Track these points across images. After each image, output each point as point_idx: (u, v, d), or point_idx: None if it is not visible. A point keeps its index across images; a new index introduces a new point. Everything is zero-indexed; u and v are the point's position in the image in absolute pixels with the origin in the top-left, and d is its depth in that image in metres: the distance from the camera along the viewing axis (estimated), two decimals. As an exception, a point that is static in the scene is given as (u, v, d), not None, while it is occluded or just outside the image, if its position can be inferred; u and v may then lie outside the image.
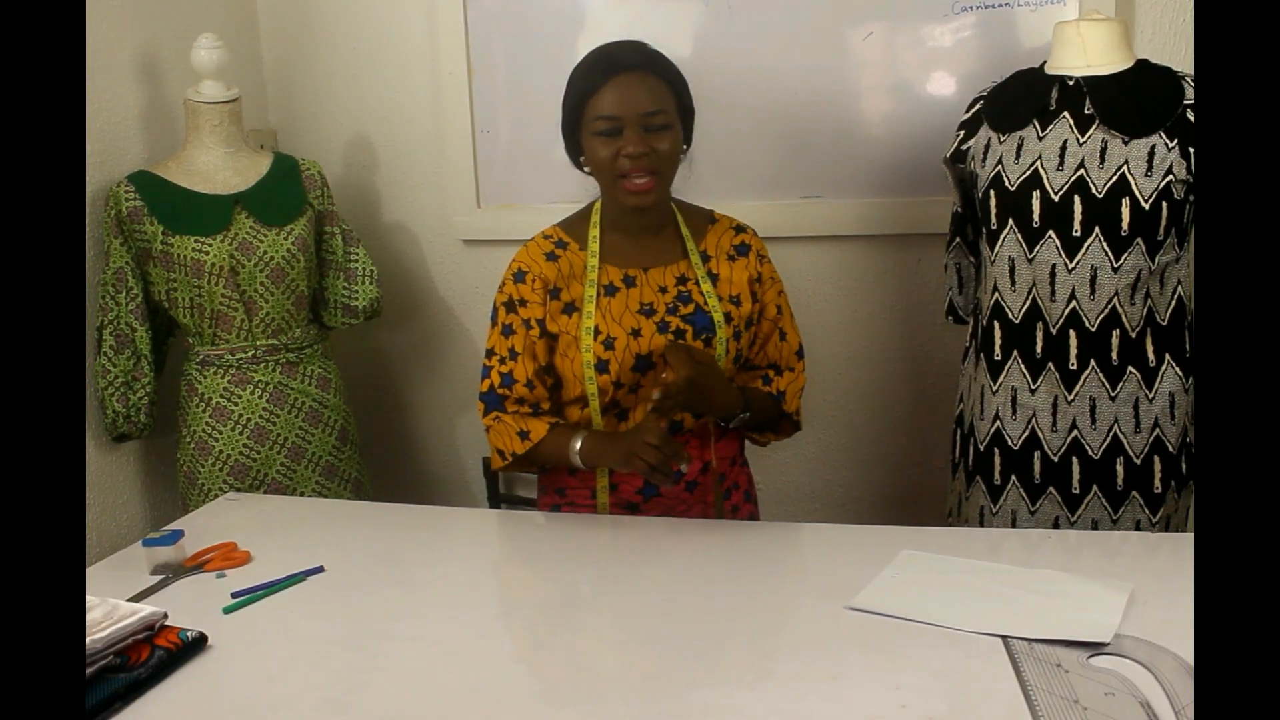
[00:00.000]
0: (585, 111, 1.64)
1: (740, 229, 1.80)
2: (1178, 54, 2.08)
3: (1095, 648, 1.22)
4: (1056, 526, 1.78)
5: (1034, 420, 1.77)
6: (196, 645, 1.30)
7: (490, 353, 1.75)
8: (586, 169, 1.70)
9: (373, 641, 1.35)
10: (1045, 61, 1.80)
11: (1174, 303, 1.74)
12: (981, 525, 1.85)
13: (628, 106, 1.60)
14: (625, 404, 1.72)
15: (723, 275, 1.74)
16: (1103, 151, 1.69)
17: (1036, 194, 1.72)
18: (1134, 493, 1.75)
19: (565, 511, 1.78)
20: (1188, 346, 1.74)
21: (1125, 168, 1.67)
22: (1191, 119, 1.66)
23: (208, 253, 2.11)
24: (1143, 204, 1.66)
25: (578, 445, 1.67)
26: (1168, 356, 1.73)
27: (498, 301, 1.76)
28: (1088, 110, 1.71)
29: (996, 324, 1.80)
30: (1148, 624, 1.27)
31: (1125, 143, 1.68)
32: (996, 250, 1.78)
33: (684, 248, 1.75)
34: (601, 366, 1.67)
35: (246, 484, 2.17)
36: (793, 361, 1.82)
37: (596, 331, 1.68)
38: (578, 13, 2.41)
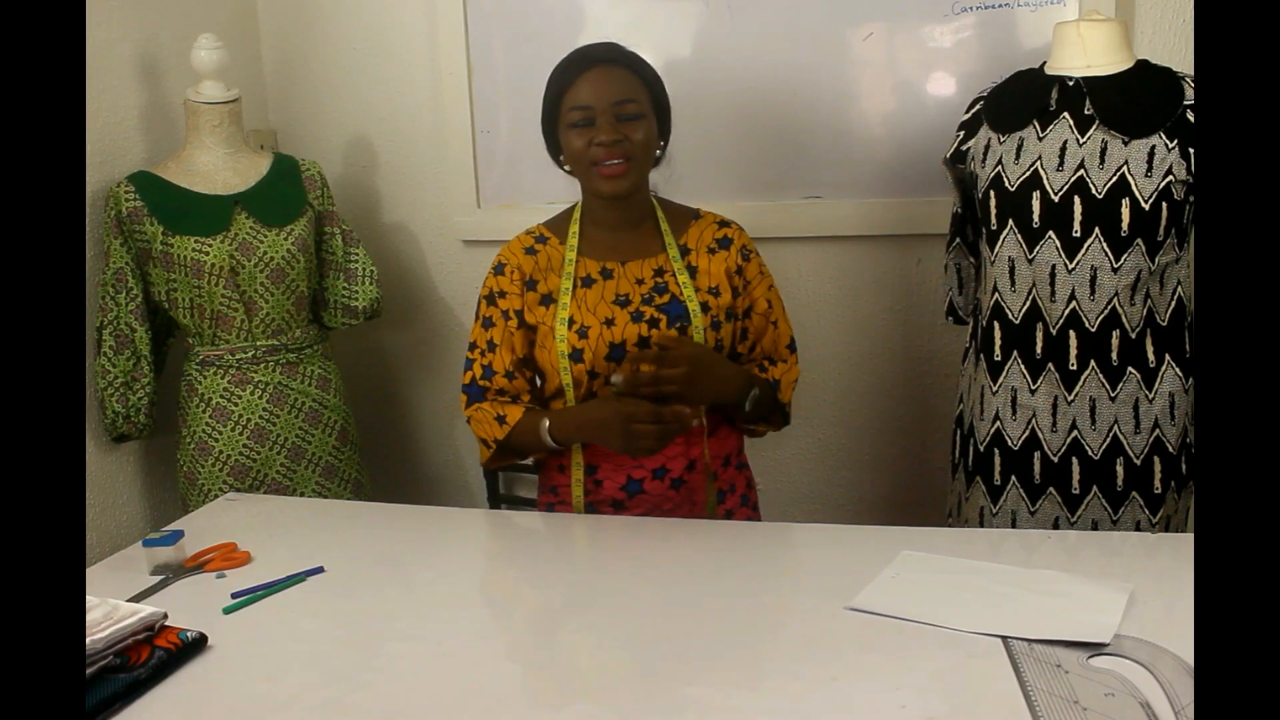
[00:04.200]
0: (561, 106, 1.69)
1: (724, 224, 1.81)
2: (1178, 54, 2.08)
3: (1095, 648, 1.22)
4: (1056, 527, 1.78)
5: (1034, 421, 1.77)
6: (196, 645, 1.30)
7: (472, 346, 1.78)
8: (566, 167, 1.74)
9: (373, 641, 1.35)
10: (1045, 62, 1.80)
11: (1174, 303, 1.74)
12: (981, 525, 1.85)
13: (599, 96, 1.65)
14: (602, 395, 1.73)
15: (701, 268, 1.76)
16: (1103, 152, 1.69)
17: (1036, 194, 1.72)
18: (1134, 493, 1.75)
19: (559, 510, 1.79)
20: (1188, 347, 1.74)
21: (1125, 168, 1.67)
22: (1191, 119, 1.66)
23: (208, 253, 2.11)
24: (1143, 204, 1.66)
25: (546, 424, 1.69)
26: (1168, 357, 1.73)
27: (480, 295, 1.79)
28: (1087, 111, 1.71)
29: (996, 324, 1.80)
30: (1148, 624, 1.27)
31: (1125, 143, 1.68)
32: (996, 251, 1.78)
33: (663, 242, 1.77)
34: (576, 356, 1.69)
35: (246, 484, 2.17)
36: (784, 354, 1.83)
37: (571, 321, 1.70)
38: (578, 13, 2.41)
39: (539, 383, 1.78)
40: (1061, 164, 1.70)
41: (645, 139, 1.67)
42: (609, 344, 1.69)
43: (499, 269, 1.77)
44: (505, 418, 1.72)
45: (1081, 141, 1.70)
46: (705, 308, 1.73)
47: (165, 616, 1.30)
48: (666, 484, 1.73)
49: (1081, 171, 1.69)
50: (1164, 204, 1.66)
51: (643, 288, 1.73)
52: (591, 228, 1.77)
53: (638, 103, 1.67)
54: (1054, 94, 1.74)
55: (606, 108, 1.65)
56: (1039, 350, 1.75)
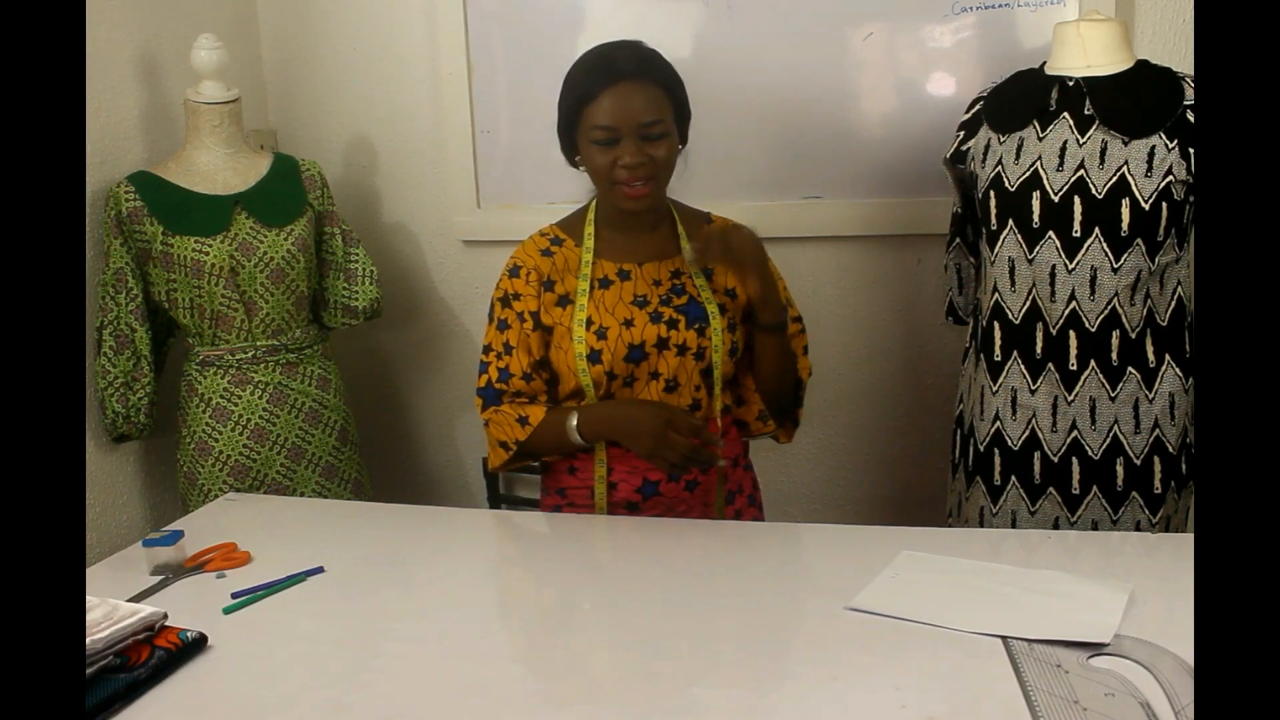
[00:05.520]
0: (582, 118, 1.65)
1: (737, 229, 1.81)
2: (1178, 54, 2.08)
3: (1095, 648, 1.22)
4: (1056, 527, 1.78)
5: (1034, 421, 1.77)
6: (196, 645, 1.30)
7: (487, 349, 1.76)
8: (582, 168, 1.72)
9: (373, 641, 1.35)
10: (1045, 62, 1.80)
11: (1174, 303, 1.74)
12: (981, 525, 1.85)
13: (625, 117, 1.61)
14: (620, 397, 1.72)
15: (717, 270, 1.75)
16: (1102, 152, 1.69)
17: (1036, 194, 1.72)
18: (1134, 493, 1.75)
19: (566, 512, 1.79)
20: (1188, 347, 1.75)
21: (1125, 168, 1.67)
22: (1191, 119, 1.67)
23: (208, 253, 2.11)
24: (1143, 204, 1.66)
25: (573, 421, 1.68)
26: (1168, 357, 1.73)
27: (494, 298, 1.78)
28: (1087, 111, 1.71)
29: (996, 324, 1.80)
30: (1148, 624, 1.27)
31: (1125, 143, 1.68)
32: (996, 251, 1.78)
33: (679, 244, 1.76)
34: (594, 357, 1.68)
35: (246, 484, 2.17)
36: (799, 351, 1.84)
37: (589, 322, 1.69)
38: (578, 13, 2.41)
39: (553, 385, 1.77)
40: (1061, 164, 1.70)
41: (668, 155, 1.66)
42: (628, 345, 1.69)
43: (514, 271, 1.75)
44: (528, 418, 1.71)
45: (1081, 141, 1.70)
46: (723, 309, 1.72)
47: (165, 616, 1.30)
48: (682, 485, 1.73)
49: (1081, 171, 1.69)
50: (1164, 204, 1.66)
51: (660, 289, 1.72)
52: (608, 229, 1.76)
53: (663, 121, 1.63)
54: (1054, 94, 1.74)
55: (632, 130, 1.61)
56: (1039, 350, 1.75)
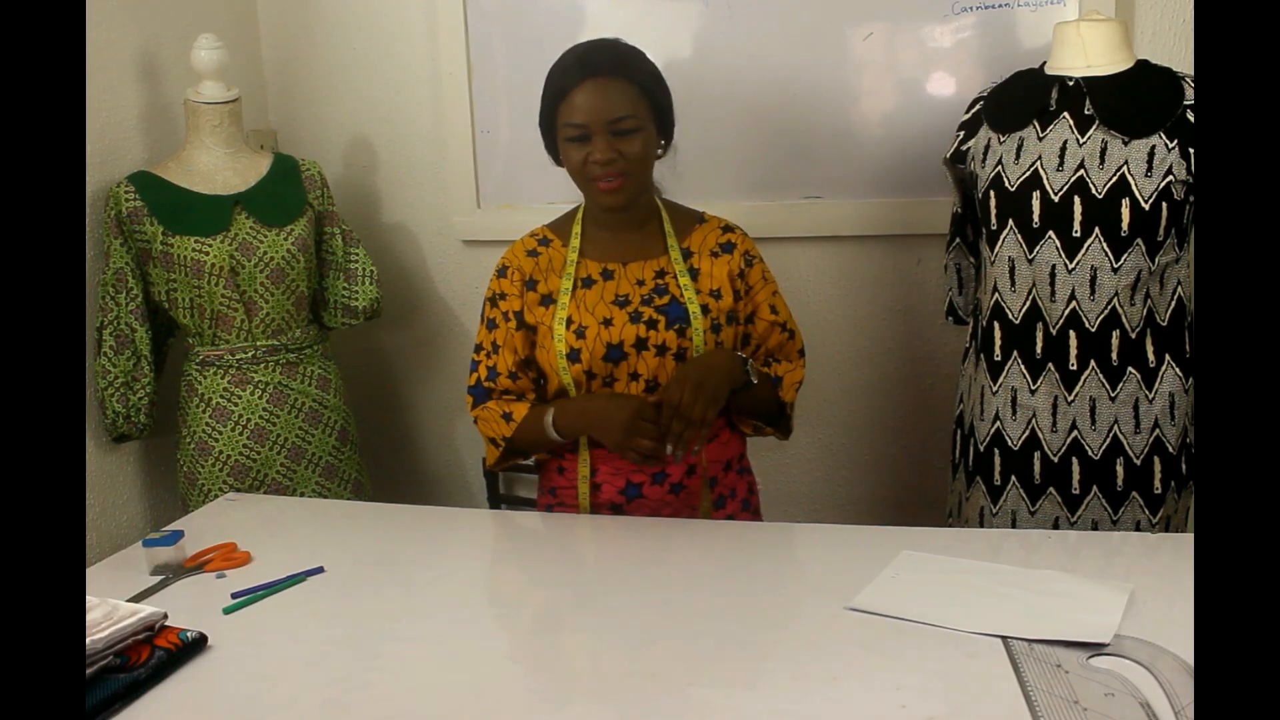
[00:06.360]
0: (557, 117, 1.67)
1: (729, 229, 1.81)
2: (1178, 54, 2.08)
3: (1095, 648, 1.22)
4: (1056, 527, 1.78)
5: (1034, 421, 1.77)
6: (196, 645, 1.30)
7: (478, 348, 1.79)
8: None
9: (373, 641, 1.35)
10: (1045, 62, 1.80)
11: (1174, 303, 1.74)
12: (981, 526, 1.85)
13: (595, 114, 1.63)
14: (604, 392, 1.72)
15: (704, 270, 1.75)
16: (1102, 152, 1.69)
17: (1036, 194, 1.72)
18: (1134, 493, 1.75)
19: (558, 511, 1.79)
20: (1188, 347, 1.75)
21: (1125, 168, 1.67)
22: (1191, 119, 1.67)
23: (208, 253, 2.11)
24: (1143, 204, 1.66)
25: (549, 418, 1.69)
26: (1168, 357, 1.73)
27: (484, 297, 1.80)
28: (1087, 111, 1.71)
29: (996, 324, 1.80)
30: (1148, 624, 1.27)
31: (1125, 143, 1.68)
32: (996, 251, 1.78)
33: (665, 244, 1.76)
34: (573, 356, 1.69)
35: (246, 484, 2.17)
36: (794, 357, 1.83)
37: (569, 321, 1.70)
38: (578, 13, 2.41)
39: (541, 384, 1.78)
40: (1061, 164, 1.70)
41: (642, 151, 1.66)
42: (606, 344, 1.69)
43: (501, 271, 1.78)
44: (511, 415, 1.73)
45: (1081, 141, 1.70)
46: (705, 310, 1.72)
47: (165, 616, 1.30)
48: (665, 489, 1.73)
49: (1081, 171, 1.69)
50: (1164, 204, 1.66)
51: (643, 289, 1.73)
52: (594, 228, 1.77)
53: (635, 117, 1.64)
54: (1054, 94, 1.74)
55: (602, 126, 1.63)
56: (1039, 350, 1.75)
